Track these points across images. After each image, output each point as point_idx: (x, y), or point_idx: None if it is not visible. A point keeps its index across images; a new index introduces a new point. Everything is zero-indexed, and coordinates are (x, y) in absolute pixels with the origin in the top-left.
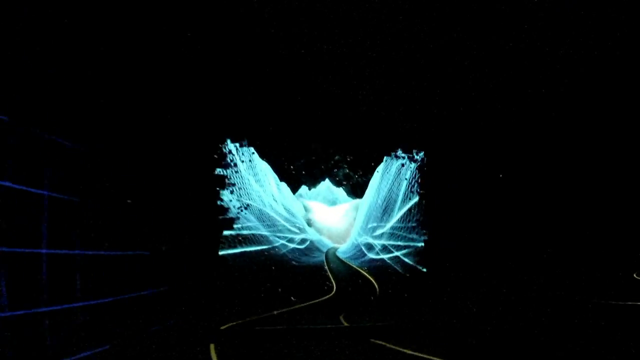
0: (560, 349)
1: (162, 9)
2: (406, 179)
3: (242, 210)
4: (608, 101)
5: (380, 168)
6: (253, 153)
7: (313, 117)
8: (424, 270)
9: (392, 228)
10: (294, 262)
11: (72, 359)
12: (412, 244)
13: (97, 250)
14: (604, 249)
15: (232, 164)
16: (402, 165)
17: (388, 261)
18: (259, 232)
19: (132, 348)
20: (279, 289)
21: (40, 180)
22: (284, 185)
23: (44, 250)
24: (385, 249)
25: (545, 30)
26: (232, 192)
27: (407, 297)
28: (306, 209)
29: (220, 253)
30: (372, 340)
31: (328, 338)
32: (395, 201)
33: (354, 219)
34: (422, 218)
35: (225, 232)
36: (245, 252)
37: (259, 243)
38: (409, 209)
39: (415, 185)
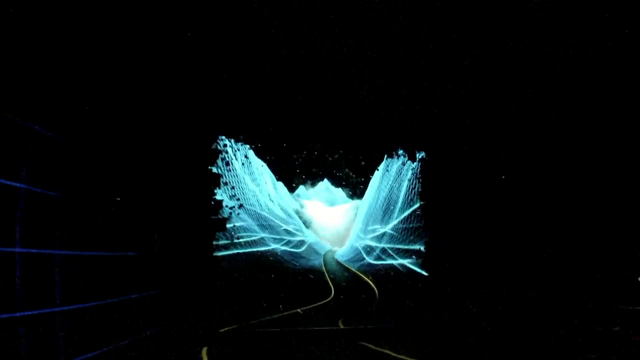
0: (560, 349)
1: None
2: (407, 179)
3: (236, 210)
4: (608, 101)
5: (380, 168)
6: (250, 148)
7: (312, 116)
8: (425, 274)
9: (393, 230)
10: (290, 265)
11: None
12: (413, 246)
13: (79, 251)
14: (604, 249)
15: (226, 162)
16: (403, 164)
17: (388, 264)
18: (255, 233)
19: (114, 357)
20: (274, 293)
21: (16, 173)
22: (280, 185)
23: (17, 249)
24: (385, 251)
25: (545, 30)
26: (226, 191)
27: (407, 300)
28: (304, 210)
29: (214, 255)
30: (361, 343)
31: (317, 340)
32: (396, 202)
33: (353, 220)
34: (424, 220)
35: (219, 233)
36: (239, 253)
37: (254, 245)
38: (410, 211)
39: (417, 186)
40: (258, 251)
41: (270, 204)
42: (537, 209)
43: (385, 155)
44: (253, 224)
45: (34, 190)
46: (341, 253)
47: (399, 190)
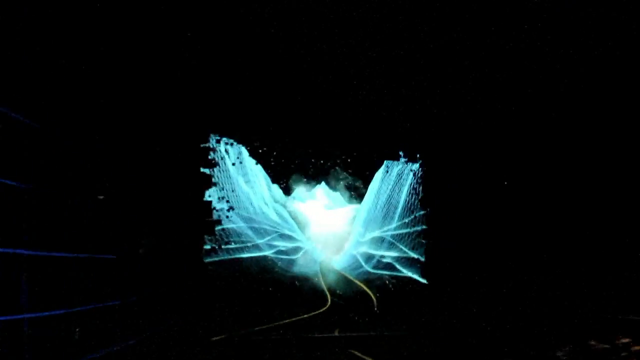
0: (560, 349)
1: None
2: (407, 183)
3: (226, 213)
4: (608, 102)
5: (380, 172)
6: (244, 148)
7: (310, 118)
8: (425, 282)
9: (393, 236)
10: (284, 272)
11: None
12: (413, 253)
13: (48, 251)
14: (605, 249)
15: (217, 162)
16: (403, 167)
17: (387, 272)
18: (247, 238)
19: None
20: (267, 301)
21: None
22: (276, 187)
23: None
24: (384, 258)
25: (545, 30)
26: (217, 193)
27: (406, 306)
28: (300, 214)
29: (202, 259)
30: (350, 350)
31: (306, 347)
32: (396, 207)
33: (352, 225)
34: (426, 227)
35: (207, 237)
36: (229, 259)
37: (246, 250)
38: (411, 217)
39: (418, 190)
40: (250, 257)
41: (264, 207)
42: (536, 208)
43: (385, 159)
44: (245, 227)
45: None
46: (338, 260)
47: (399, 194)
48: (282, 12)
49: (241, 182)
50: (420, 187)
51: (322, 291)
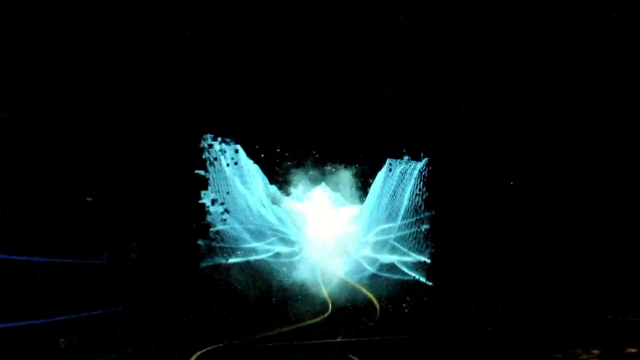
0: (560, 349)
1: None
2: (411, 183)
3: (221, 215)
4: (609, 102)
5: (382, 171)
6: (241, 148)
7: (310, 115)
8: (430, 284)
9: (396, 238)
10: (282, 276)
11: None
12: (418, 256)
13: (22, 255)
14: (605, 249)
15: (213, 163)
16: (406, 166)
17: (391, 275)
18: (243, 241)
19: None
20: (264, 308)
21: None
22: (274, 188)
23: None
24: (388, 261)
25: (545, 30)
26: (212, 194)
27: (410, 310)
28: (299, 215)
29: (195, 263)
30: (350, 355)
31: (305, 353)
32: (400, 208)
33: (353, 227)
34: (430, 229)
35: (201, 240)
36: (224, 263)
37: (242, 253)
38: (416, 218)
39: (422, 191)
40: (246, 260)
41: (261, 209)
42: (536, 208)
43: (388, 158)
44: (241, 230)
45: None
46: (339, 263)
47: (402, 194)
48: (280, 5)
49: (237, 183)
50: (425, 187)
51: (323, 296)
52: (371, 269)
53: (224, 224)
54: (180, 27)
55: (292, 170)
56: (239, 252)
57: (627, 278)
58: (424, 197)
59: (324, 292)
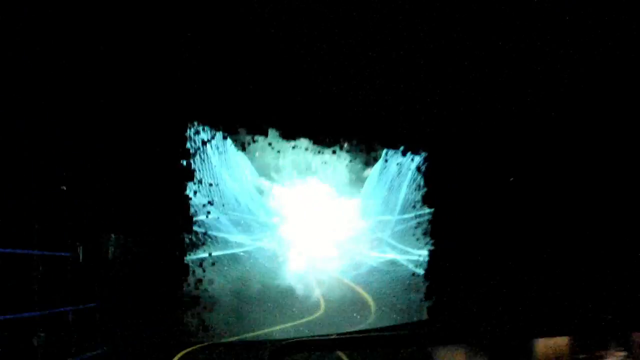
0: (560, 349)
1: None
2: (408, 177)
3: (207, 208)
4: (609, 102)
5: (378, 163)
6: (228, 140)
7: (302, 104)
8: (427, 283)
9: (392, 234)
10: (270, 273)
11: None
12: (415, 252)
13: None
14: (605, 249)
15: (198, 153)
16: (404, 161)
17: (386, 273)
18: (230, 235)
19: None
20: (251, 306)
21: None
22: (263, 180)
23: None
24: (382, 258)
25: (546, 29)
26: (198, 187)
27: (405, 307)
28: (290, 209)
29: (177, 259)
30: (338, 353)
31: (293, 351)
32: (396, 203)
33: (347, 221)
34: (429, 224)
35: (186, 235)
36: (210, 258)
37: (228, 247)
38: (413, 213)
39: (420, 187)
40: (233, 254)
41: (249, 202)
42: (536, 208)
43: (385, 149)
44: (228, 224)
45: None
46: (331, 260)
47: (399, 188)
48: (282, 11)
49: (224, 175)
50: (423, 181)
51: (315, 294)
52: (365, 265)
53: (210, 217)
54: (166, 18)
55: (283, 162)
56: (224, 246)
57: (628, 277)
58: (422, 192)
59: (315, 289)
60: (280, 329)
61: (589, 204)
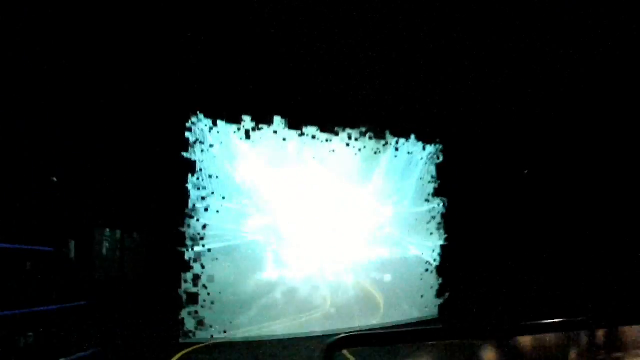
0: (560, 349)
1: None
2: (419, 168)
3: (207, 201)
4: (609, 102)
5: (388, 152)
6: (231, 130)
7: (307, 92)
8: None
9: (402, 228)
10: (273, 267)
11: None
12: (425, 246)
13: None
14: (605, 249)
15: (198, 144)
16: (415, 150)
17: (395, 269)
18: (233, 231)
19: None
20: (251, 302)
21: None
22: (266, 171)
23: None
24: (392, 255)
25: (546, 28)
26: (197, 179)
27: (414, 305)
28: (293, 201)
29: (176, 252)
30: (341, 351)
31: (293, 347)
32: (406, 195)
33: (354, 214)
34: (442, 220)
35: (185, 229)
36: (209, 252)
37: (228, 240)
38: (425, 206)
39: (433, 177)
40: (231, 246)
41: (252, 194)
42: (536, 207)
43: (396, 139)
44: (229, 216)
45: None
46: (336, 252)
47: (409, 180)
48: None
49: (225, 166)
50: (436, 173)
51: (320, 290)
52: (373, 259)
53: (209, 210)
54: (167, 5)
55: (286, 152)
56: (224, 239)
57: (628, 277)
58: (435, 184)
59: (320, 283)
60: (281, 326)
61: (588, 204)
